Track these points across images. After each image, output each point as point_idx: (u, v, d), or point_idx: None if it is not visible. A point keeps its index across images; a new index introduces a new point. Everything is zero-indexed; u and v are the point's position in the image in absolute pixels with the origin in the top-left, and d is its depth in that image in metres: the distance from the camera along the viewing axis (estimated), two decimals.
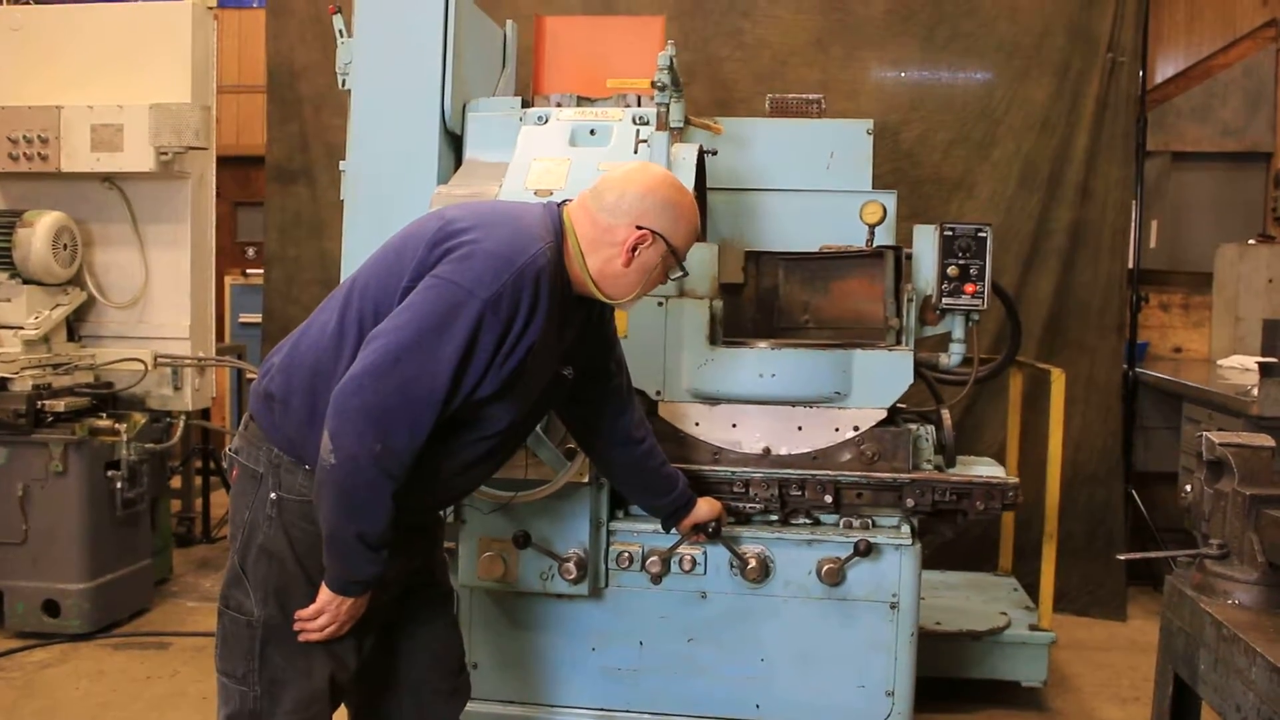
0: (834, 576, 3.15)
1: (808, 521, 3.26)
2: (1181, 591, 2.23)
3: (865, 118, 4.34)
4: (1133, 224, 5.53)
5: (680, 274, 2.51)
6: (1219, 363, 6.05)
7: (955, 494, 3.20)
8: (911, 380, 3.24)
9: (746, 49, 5.37)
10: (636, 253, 2.37)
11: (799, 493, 3.20)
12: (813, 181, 4.16)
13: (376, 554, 2.23)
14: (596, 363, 2.69)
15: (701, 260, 3.33)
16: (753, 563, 3.15)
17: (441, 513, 2.78)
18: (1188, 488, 2.33)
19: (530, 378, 2.33)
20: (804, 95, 4.40)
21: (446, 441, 2.31)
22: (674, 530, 3.07)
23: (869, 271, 3.56)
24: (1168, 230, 7.37)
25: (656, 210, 2.38)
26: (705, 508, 3.03)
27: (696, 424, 3.30)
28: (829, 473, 3.22)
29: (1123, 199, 5.25)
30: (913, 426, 3.30)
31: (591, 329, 2.58)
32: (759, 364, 3.23)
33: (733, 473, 3.22)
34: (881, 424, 3.24)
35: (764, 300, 3.82)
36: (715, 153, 3.83)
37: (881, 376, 3.23)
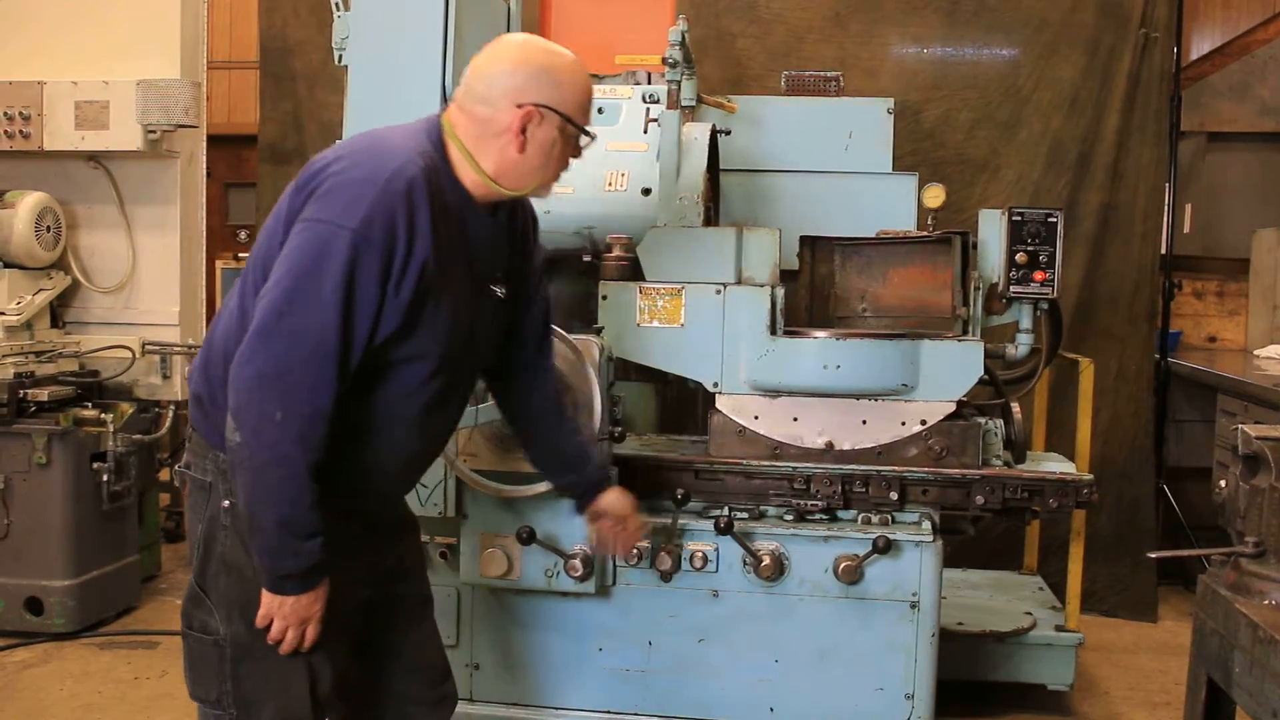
0: (852, 574, 3.12)
1: (824, 517, 3.22)
2: (1215, 591, 2.21)
3: (885, 96, 4.37)
4: (1166, 208, 5.44)
5: (588, 140, 2.29)
6: (1256, 353, 6.01)
7: (1027, 491, 3.20)
8: (982, 372, 3.23)
9: (761, 24, 5.29)
10: (527, 134, 2.17)
11: (863, 489, 3.18)
12: (830, 163, 4.21)
13: (304, 543, 2.07)
14: (516, 286, 2.48)
15: (762, 247, 3.28)
16: (767, 560, 3.13)
17: (417, 503, 2.66)
18: (1222, 483, 2.31)
19: (442, 302, 2.16)
20: (821, 73, 4.42)
21: (379, 396, 2.17)
22: (586, 518, 2.82)
23: (931, 258, 3.56)
24: (1202, 214, 7.33)
25: (534, 82, 2.17)
26: (616, 497, 2.75)
27: (755, 417, 3.27)
28: (895, 469, 3.19)
29: (1155, 181, 5.18)
30: (981, 420, 3.27)
31: (516, 245, 2.42)
32: (822, 355, 3.20)
33: (794, 468, 3.21)
34: (948, 418, 3.22)
35: (819, 288, 3.82)
36: (729, 132, 3.98)
37: (951, 368, 3.21)
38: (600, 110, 3.61)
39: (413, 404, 2.22)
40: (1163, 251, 5.56)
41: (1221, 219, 7.26)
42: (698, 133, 3.42)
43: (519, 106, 2.15)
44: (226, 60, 8.03)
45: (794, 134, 4.22)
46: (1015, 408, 3.40)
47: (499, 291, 2.35)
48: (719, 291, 3.22)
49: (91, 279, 5.14)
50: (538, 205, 3.35)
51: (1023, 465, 3.34)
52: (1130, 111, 5.11)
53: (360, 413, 2.13)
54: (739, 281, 3.26)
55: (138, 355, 4.94)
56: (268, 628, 2.15)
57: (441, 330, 2.18)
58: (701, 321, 3.23)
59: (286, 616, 2.13)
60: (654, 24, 3.86)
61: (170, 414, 5.07)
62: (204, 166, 5.33)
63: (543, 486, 3.00)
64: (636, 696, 3.24)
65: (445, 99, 3.35)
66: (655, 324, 3.22)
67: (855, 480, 3.17)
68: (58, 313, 5.09)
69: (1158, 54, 5.09)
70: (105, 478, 4.67)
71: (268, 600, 2.12)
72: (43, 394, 4.58)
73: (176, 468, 2.56)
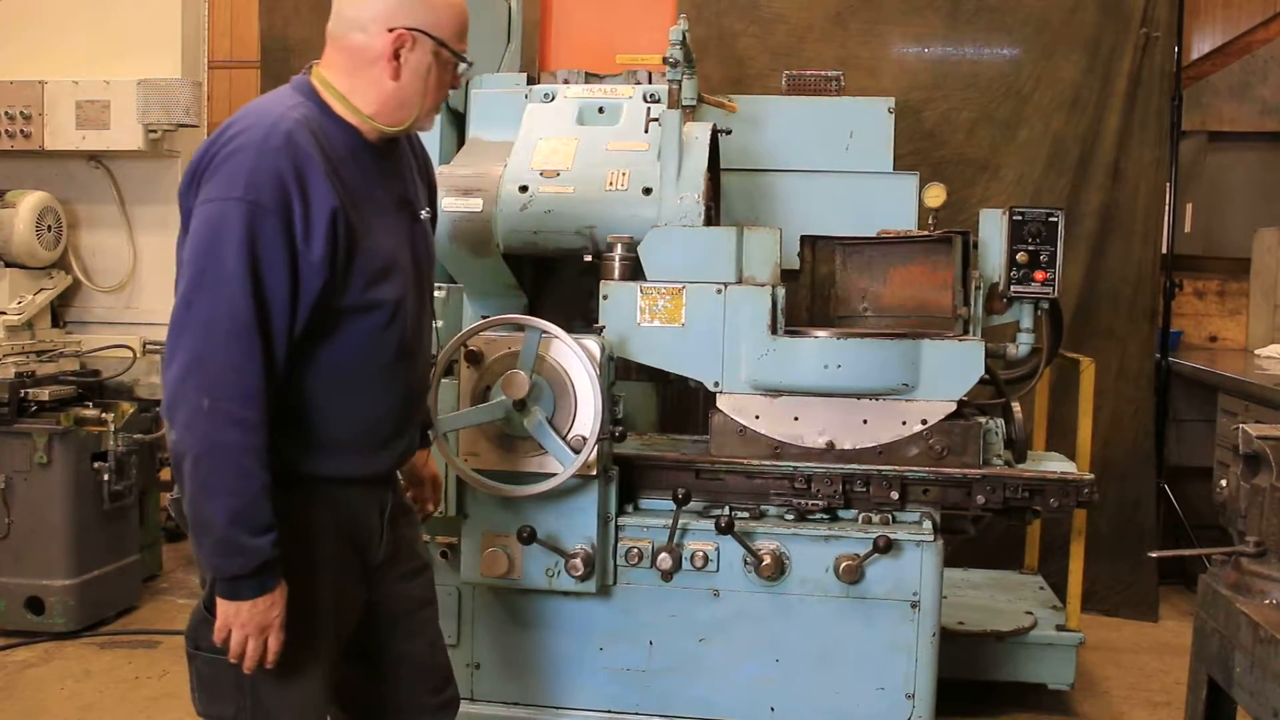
0: (852, 574, 3.10)
1: (825, 517, 3.21)
2: (1216, 591, 2.21)
3: (886, 96, 4.33)
4: (1166, 207, 5.44)
5: (465, 67, 2.25)
6: (1256, 352, 6.01)
7: (1028, 490, 3.19)
8: (982, 372, 3.21)
9: (762, 24, 5.28)
10: (401, 59, 2.13)
11: (864, 489, 3.18)
12: (831, 162, 4.17)
13: (254, 539, 1.98)
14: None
15: (763, 246, 3.26)
16: (767, 560, 3.11)
17: (406, 489, 2.55)
18: (1223, 483, 2.32)
19: (373, 246, 2.12)
20: (822, 72, 4.38)
21: (345, 358, 2.12)
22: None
23: (932, 258, 3.55)
24: (1203, 214, 7.32)
25: (405, 5, 2.13)
26: (419, 463, 2.67)
27: (756, 417, 3.25)
28: (896, 468, 3.18)
29: (1156, 181, 5.16)
30: (982, 420, 3.26)
31: (423, 175, 2.41)
32: (823, 354, 3.18)
33: (794, 467, 3.20)
34: (949, 417, 3.21)
35: (820, 287, 3.81)
36: (729, 132, 3.89)
37: (952, 368, 3.19)
38: (601, 110, 3.61)
39: (380, 355, 2.17)
40: (1163, 251, 5.55)
41: (1222, 219, 7.25)
42: (699, 132, 3.40)
43: (390, 31, 2.11)
44: (227, 60, 7.98)
45: (795, 134, 4.18)
46: (1016, 407, 3.40)
47: (424, 214, 2.33)
48: (720, 291, 3.20)
49: (92, 278, 5.15)
50: (539, 206, 3.38)
51: (1023, 465, 3.33)
52: (1131, 111, 5.10)
53: (330, 379, 2.10)
54: (740, 281, 3.23)
55: (138, 355, 4.95)
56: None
57: (381, 273, 2.14)
58: (702, 321, 3.21)
59: (245, 625, 2.03)
60: (655, 23, 3.85)
61: None
62: None
63: (544, 486, 3.00)
64: (637, 696, 3.23)
65: (447, 103, 3.37)
66: (656, 323, 3.21)
67: (856, 480, 3.16)
68: (58, 312, 5.10)
69: (1158, 54, 5.08)
70: (106, 477, 4.68)
71: (223, 610, 2.03)
72: (43, 393, 4.58)
73: (170, 497, 2.50)
